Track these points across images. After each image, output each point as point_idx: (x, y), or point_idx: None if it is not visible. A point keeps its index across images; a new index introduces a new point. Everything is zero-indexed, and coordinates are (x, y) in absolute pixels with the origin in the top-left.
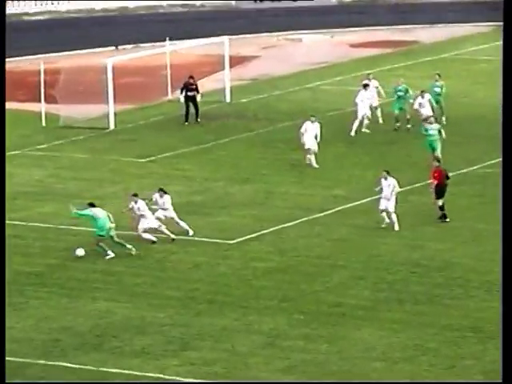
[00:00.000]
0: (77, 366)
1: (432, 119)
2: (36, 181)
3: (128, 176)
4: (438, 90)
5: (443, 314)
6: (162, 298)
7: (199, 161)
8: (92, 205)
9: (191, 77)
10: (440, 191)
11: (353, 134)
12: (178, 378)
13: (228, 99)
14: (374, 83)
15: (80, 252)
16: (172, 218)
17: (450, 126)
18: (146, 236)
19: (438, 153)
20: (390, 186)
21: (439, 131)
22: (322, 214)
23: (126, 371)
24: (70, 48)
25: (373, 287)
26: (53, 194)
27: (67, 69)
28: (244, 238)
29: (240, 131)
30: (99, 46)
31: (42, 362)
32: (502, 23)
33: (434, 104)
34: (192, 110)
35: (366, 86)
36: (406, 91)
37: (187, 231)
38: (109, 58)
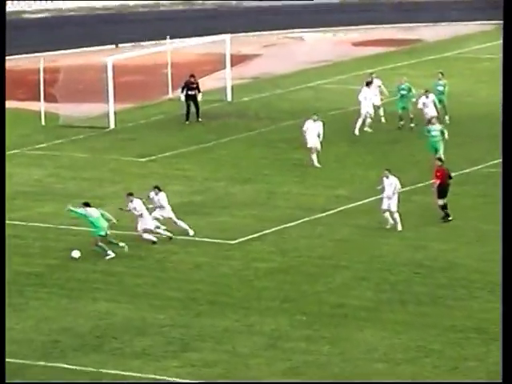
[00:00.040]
0: (77, 368)
1: (434, 120)
2: (35, 180)
3: (128, 176)
4: (440, 88)
5: (446, 315)
6: (162, 299)
7: (200, 160)
8: (87, 204)
9: (192, 75)
10: (442, 191)
11: (357, 132)
12: (178, 380)
13: (229, 98)
14: (376, 82)
15: (75, 254)
16: (170, 218)
17: (453, 125)
18: (147, 236)
19: (441, 154)
20: (391, 185)
21: (441, 132)
22: (324, 214)
23: (126, 372)
24: (69, 46)
25: (375, 288)
26: (52, 194)
27: (67, 67)
28: (245, 239)
29: (241, 130)
30: (99, 45)
31: (41, 363)
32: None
33: (438, 104)
34: (192, 109)
35: (369, 83)
36: (409, 90)
37: (187, 231)
38: (109, 57)
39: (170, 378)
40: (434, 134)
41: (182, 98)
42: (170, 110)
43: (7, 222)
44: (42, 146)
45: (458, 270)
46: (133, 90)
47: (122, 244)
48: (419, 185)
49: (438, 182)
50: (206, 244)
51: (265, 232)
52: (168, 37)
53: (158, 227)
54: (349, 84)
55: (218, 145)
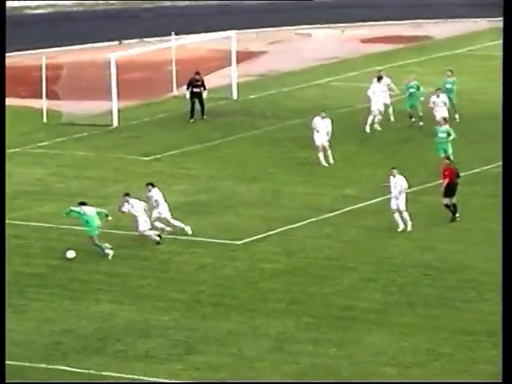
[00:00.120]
0: (79, 370)
1: (442, 121)
2: (37, 179)
3: (132, 175)
4: (449, 86)
5: (456, 317)
6: (166, 301)
7: (205, 159)
8: (83, 204)
9: (197, 73)
10: (450, 190)
11: (367, 129)
12: (182, 383)
13: (235, 96)
14: (385, 80)
15: (70, 254)
16: (165, 218)
17: (463, 123)
18: (153, 236)
19: (450, 154)
20: (397, 184)
21: (448, 133)
22: (331, 215)
23: (129, 375)
24: (72, 43)
25: (383, 290)
26: (54, 194)
27: (69, 64)
28: (251, 239)
29: (247, 129)
30: (102, 41)
31: (43, 365)
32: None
33: (448, 103)
34: (197, 106)
35: (379, 78)
36: (418, 88)
37: (182, 229)
38: (112, 53)
39: (174, 381)
40: (440, 135)
41: (188, 95)
42: (174, 108)
43: (8, 221)
44: (43, 144)
45: (467, 271)
46: (137, 87)
47: (107, 251)
48: (428, 185)
49: (446, 180)
50: (211, 244)
51: (271, 232)
52: (173, 33)
53: (151, 229)
54: (357, 81)
55: (223, 143)
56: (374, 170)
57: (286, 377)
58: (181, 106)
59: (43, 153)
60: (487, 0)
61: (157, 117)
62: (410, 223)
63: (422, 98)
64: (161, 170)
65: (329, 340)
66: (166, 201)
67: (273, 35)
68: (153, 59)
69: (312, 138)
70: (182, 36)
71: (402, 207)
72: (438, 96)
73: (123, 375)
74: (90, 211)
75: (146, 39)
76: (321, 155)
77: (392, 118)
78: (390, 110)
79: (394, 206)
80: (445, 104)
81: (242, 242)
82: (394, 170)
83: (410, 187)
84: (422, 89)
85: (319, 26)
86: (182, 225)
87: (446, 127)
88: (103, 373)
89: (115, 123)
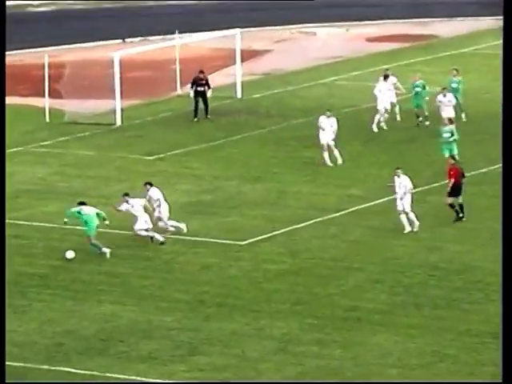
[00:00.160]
0: (81, 372)
1: (446, 121)
2: (39, 179)
3: (135, 174)
4: (455, 85)
5: (462, 318)
6: (169, 301)
7: (209, 159)
8: (82, 203)
9: (201, 71)
10: (455, 189)
11: (375, 129)
12: (184, 383)
13: (239, 95)
14: (392, 79)
15: (69, 255)
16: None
17: (469, 122)
18: (156, 236)
19: (455, 154)
20: (402, 185)
21: (451, 133)
22: (336, 215)
23: (132, 377)
24: (75, 41)
25: (389, 291)
26: (57, 193)
27: (72, 62)
28: (255, 239)
29: (251, 128)
30: (106, 39)
31: (44, 366)
32: None
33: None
34: (201, 105)
35: (386, 77)
36: (423, 87)
37: (179, 228)
38: (116, 52)
39: (176, 381)
40: (444, 135)
41: (191, 94)
42: (178, 107)
43: (10, 221)
44: (46, 143)
45: (473, 272)
46: (140, 85)
47: (104, 249)
48: (434, 185)
49: (452, 180)
50: (215, 245)
51: (275, 232)
52: (177, 31)
53: (149, 229)
54: (362, 80)
55: (227, 143)
56: (380, 170)
57: (290, 378)
58: (184, 105)
59: (46, 152)
60: None
61: (160, 116)
62: (417, 223)
63: (427, 98)
64: (164, 170)
65: (334, 341)
66: (166, 200)
67: (278, 33)
68: (156, 58)
69: (317, 137)
70: (185, 34)
71: (408, 208)
72: (444, 95)
73: (126, 376)
74: (89, 211)
75: (150, 37)
76: (326, 155)
77: (398, 118)
78: (397, 109)
79: (399, 207)
80: (451, 103)
81: (247, 242)
82: (399, 171)
83: (415, 187)
84: (427, 88)
85: (324, 24)
86: (176, 224)
87: (451, 127)
88: (105, 374)
89: (118, 122)
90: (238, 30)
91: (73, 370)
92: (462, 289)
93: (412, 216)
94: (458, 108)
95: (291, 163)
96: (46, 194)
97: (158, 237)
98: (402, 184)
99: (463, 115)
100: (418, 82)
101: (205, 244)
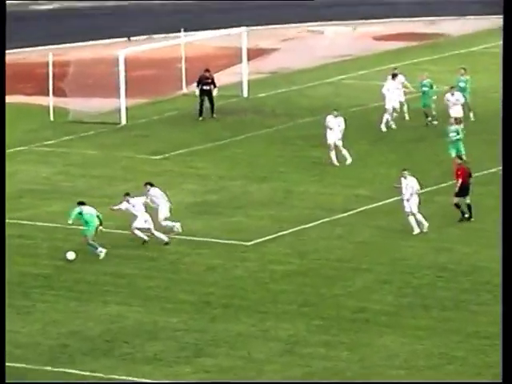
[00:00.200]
0: (85, 373)
1: (452, 120)
2: (43, 178)
3: (140, 174)
4: (462, 85)
5: (470, 320)
6: (175, 302)
7: (215, 158)
8: (82, 203)
9: (207, 70)
10: (463, 190)
11: (383, 128)
12: (189, 383)
13: (245, 94)
14: (400, 78)
15: (70, 256)
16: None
17: (478, 122)
18: (160, 235)
19: (462, 154)
20: (409, 186)
21: (457, 132)
22: (344, 215)
23: (137, 378)
24: (80, 39)
25: (397, 292)
26: (61, 193)
27: (77, 61)
28: (261, 240)
29: (257, 127)
30: (111, 37)
31: (48, 368)
32: None
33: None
34: (207, 104)
35: (394, 75)
36: (431, 86)
37: (173, 227)
38: (121, 50)
39: (181, 381)
40: (451, 135)
41: (197, 92)
42: (183, 106)
43: (14, 221)
44: (50, 142)
45: (481, 273)
46: (145, 84)
47: (100, 249)
48: (442, 185)
49: (460, 180)
50: (221, 245)
51: (282, 233)
52: (182, 29)
53: (148, 229)
54: (370, 79)
55: (233, 142)
56: (388, 170)
57: (296, 380)
58: (190, 103)
59: (50, 151)
60: None
61: (166, 115)
62: (426, 224)
63: (434, 97)
64: (170, 169)
65: (340, 343)
66: (169, 200)
67: (285, 32)
68: (162, 56)
69: (324, 137)
70: (191, 33)
71: (415, 209)
72: (452, 94)
73: (131, 378)
74: (90, 211)
75: (155, 36)
76: (333, 154)
77: (407, 117)
78: (405, 108)
79: (407, 209)
80: (459, 102)
81: (253, 242)
82: (405, 172)
83: (424, 187)
84: (435, 87)
85: (331, 23)
86: (171, 224)
87: (457, 127)
88: (110, 375)
89: (123, 121)
90: (244, 29)
91: (77, 372)
92: (471, 290)
93: (420, 217)
94: (466, 107)
95: (298, 163)
96: (50, 193)
97: (163, 237)
98: (409, 185)
99: (471, 114)
100: (425, 82)
101: (210, 244)
